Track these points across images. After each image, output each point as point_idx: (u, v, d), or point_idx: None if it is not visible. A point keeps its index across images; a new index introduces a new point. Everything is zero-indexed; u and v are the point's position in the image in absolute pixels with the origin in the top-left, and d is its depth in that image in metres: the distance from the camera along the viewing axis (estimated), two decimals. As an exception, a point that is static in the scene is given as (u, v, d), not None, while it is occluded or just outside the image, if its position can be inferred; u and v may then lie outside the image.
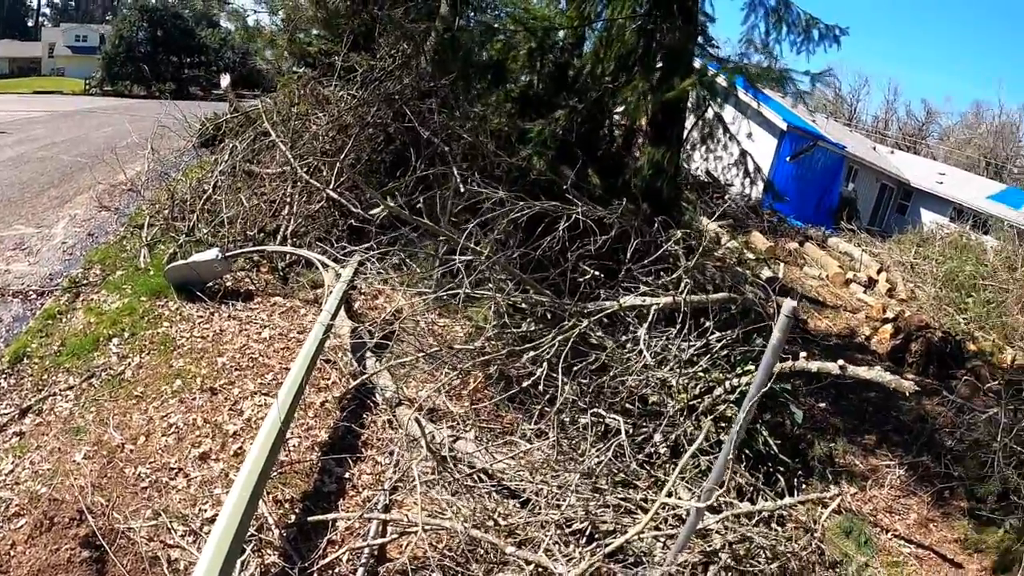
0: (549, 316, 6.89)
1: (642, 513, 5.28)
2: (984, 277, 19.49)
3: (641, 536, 4.94)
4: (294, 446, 6.55)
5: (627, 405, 6.57)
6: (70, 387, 6.89)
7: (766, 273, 14.11)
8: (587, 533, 5.23)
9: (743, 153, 11.58)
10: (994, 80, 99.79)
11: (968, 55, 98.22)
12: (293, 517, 5.81)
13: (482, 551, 5.15)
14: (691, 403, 6.61)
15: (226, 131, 13.95)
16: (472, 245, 6.86)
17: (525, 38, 11.38)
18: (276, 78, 18.91)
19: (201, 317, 8.33)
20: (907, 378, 12.16)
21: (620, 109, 10.72)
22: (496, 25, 13.35)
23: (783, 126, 25.23)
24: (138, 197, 11.84)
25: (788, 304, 3.81)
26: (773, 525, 6.20)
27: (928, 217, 30.94)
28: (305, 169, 10.39)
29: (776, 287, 13.07)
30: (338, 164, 10.31)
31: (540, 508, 5.43)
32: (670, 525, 5.26)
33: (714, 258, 8.41)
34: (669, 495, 5.06)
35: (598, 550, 4.63)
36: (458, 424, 6.87)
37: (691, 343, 6.91)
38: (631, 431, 6.01)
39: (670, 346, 6.76)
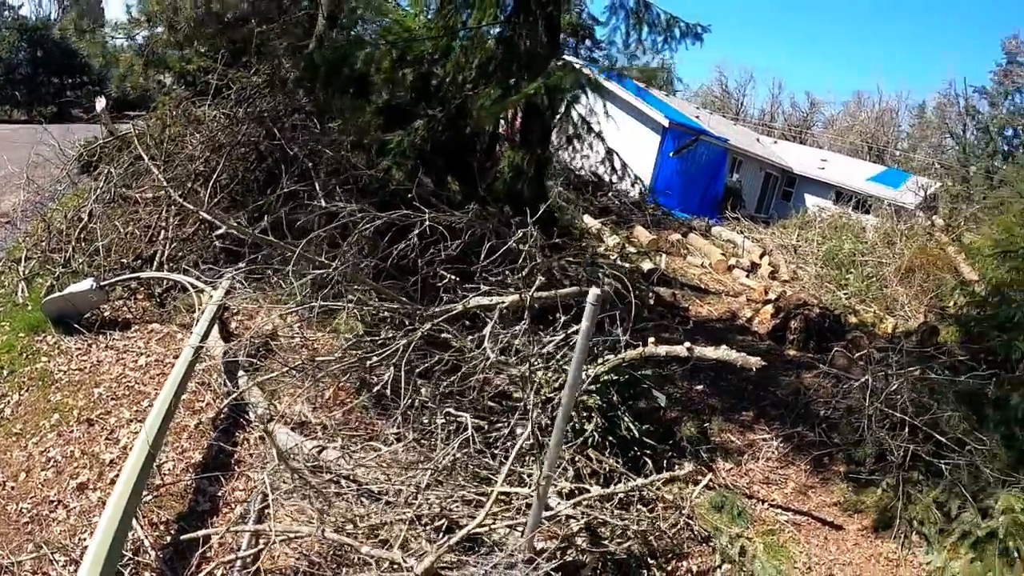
0: (406, 322, 6.90)
1: (499, 505, 5.32)
2: (864, 253, 20.34)
3: (492, 527, 4.99)
4: (169, 469, 6.53)
5: (489, 403, 6.63)
6: (-49, 429, 6.69)
7: (647, 265, 14.42)
8: (444, 528, 5.27)
9: (609, 152, 11.83)
10: (872, 69, 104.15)
11: (847, 46, 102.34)
12: (169, 538, 5.82)
13: (351, 555, 5.24)
14: (551, 395, 6.67)
15: (101, 156, 13.51)
16: (318, 258, 6.91)
17: (387, 51, 11.42)
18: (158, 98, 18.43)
19: (79, 349, 8.15)
20: (787, 354, 12.73)
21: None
22: (366, 38, 13.40)
23: (665, 123, 25.91)
24: (15, 230, 11.39)
25: (593, 293, 3.89)
26: (638, 506, 6.30)
27: (812, 201, 32.13)
28: (179, 192, 10.15)
29: (654, 278, 13.43)
30: (211, 185, 10.13)
31: (399, 507, 5.46)
32: (524, 514, 5.29)
33: (593, 254, 8.54)
34: (507, 485, 5.10)
35: (443, 543, 4.65)
36: (327, 433, 6.89)
37: (551, 338, 7.00)
38: (487, 427, 6.06)
39: (528, 342, 6.82)
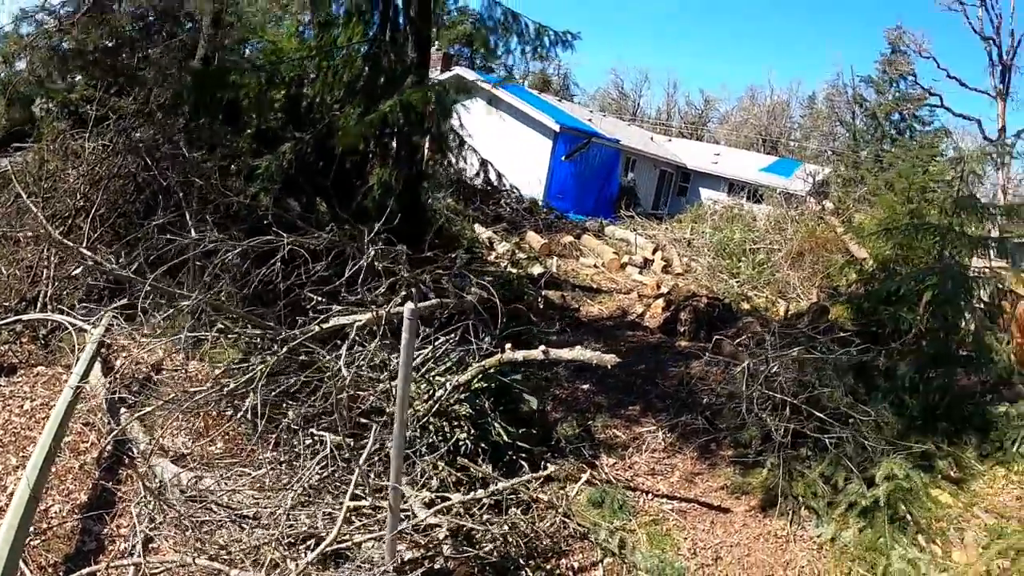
0: (272, 347, 6.86)
1: (364, 518, 5.36)
2: (755, 241, 20.97)
3: (355, 541, 5.02)
4: (55, 512, 6.35)
5: (363, 419, 6.63)
6: None
7: (537, 269, 14.58)
8: (313, 546, 5.27)
9: (483, 163, 11.98)
10: (764, 65, 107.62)
11: (739, 44, 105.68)
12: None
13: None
14: (428, 407, 6.71)
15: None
16: (177, 290, 6.85)
17: (253, 75, 11.32)
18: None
19: (-35, 399, 7.87)
20: (678, 345, 13.01)
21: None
22: (236, 61, 13.21)
23: (556, 128, 26.25)
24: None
25: (408, 307, 3.95)
26: (513, 510, 6.37)
27: (707, 195, 32.96)
28: (60, 229, 9.83)
29: (542, 281, 13.60)
30: (91, 220, 9.86)
31: (270, 528, 5.44)
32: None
33: (463, 264, 8.60)
34: (354, 498, 5.14)
35: (305, 561, 4.66)
36: (202, 463, 6.81)
37: (419, 352, 7.04)
38: (353, 444, 6.06)
39: (390, 356, 6.86)
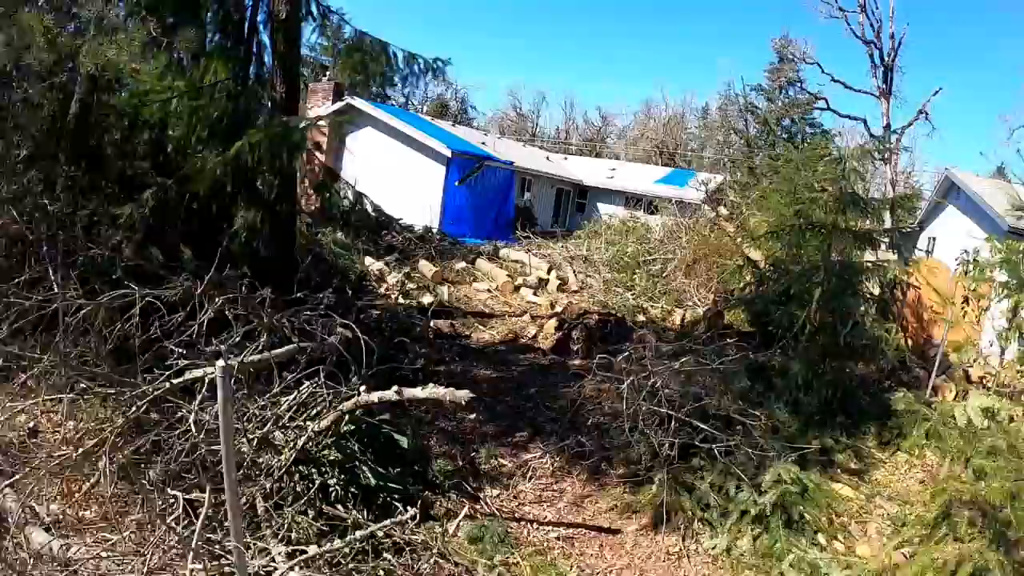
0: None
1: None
2: (650, 252, 21.26)
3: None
4: None
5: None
6: None
7: (427, 299, 14.46)
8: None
9: (358, 195, 11.86)
10: (657, 79, 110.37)
11: (632, 61, 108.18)
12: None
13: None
14: (289, 455, 6.51)
15: None
16: (29, 353, 6.52)
17: (115, 119, 10.93)
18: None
19: None
20: (570, 365, 13.01)
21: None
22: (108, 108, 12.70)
23: (448, 153, 26.22)
24: None
25: (219, 365, 3.80)
26: (386, 554, 6.22)
27: (604, 210, 33.42)
28: None
29: (430, 311, 13.49)
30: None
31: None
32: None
33: (328, 305, 8.40)
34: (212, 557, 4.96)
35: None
36: (73, 528, 6.44)
37: (285, 398, 6.86)
38: (215, 500, 5.83)
39: (263, 405, 6.66)
